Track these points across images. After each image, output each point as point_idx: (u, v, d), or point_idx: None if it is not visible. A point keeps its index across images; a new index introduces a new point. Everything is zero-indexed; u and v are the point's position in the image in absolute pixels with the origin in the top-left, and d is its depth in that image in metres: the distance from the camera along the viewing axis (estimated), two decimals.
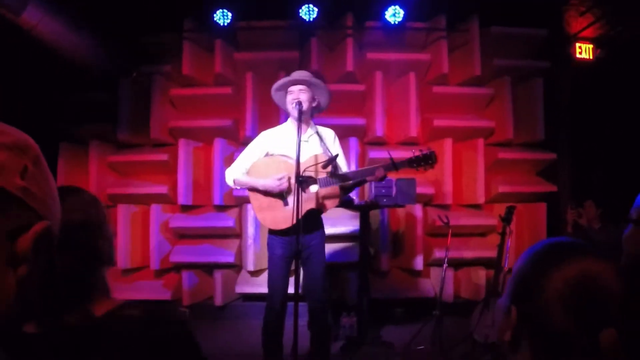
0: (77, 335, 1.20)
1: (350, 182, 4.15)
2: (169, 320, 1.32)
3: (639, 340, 1.00)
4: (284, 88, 4.25)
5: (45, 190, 0.79)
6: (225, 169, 6.15)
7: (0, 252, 0.71)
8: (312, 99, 4.21)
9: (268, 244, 4.25)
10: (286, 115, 4.48)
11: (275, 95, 4.36)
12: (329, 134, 4.41)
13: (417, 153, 4.07)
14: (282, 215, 4.06)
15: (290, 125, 4.30)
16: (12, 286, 0.72)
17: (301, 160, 3.81)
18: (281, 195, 4.10)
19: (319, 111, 4.45)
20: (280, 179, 4.00)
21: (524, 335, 1.11)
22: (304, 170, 3.85)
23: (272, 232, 4.21)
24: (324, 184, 4.05)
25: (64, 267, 1.27)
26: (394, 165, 4.01)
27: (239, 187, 4.38)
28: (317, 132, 4.31)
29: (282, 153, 4.21)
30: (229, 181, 4.30)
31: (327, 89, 4.31)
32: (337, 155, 4.14)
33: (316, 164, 4.04)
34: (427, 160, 4.05)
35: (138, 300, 6.29)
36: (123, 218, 6.46)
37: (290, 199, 3.99)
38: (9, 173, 0.72)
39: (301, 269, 4.07)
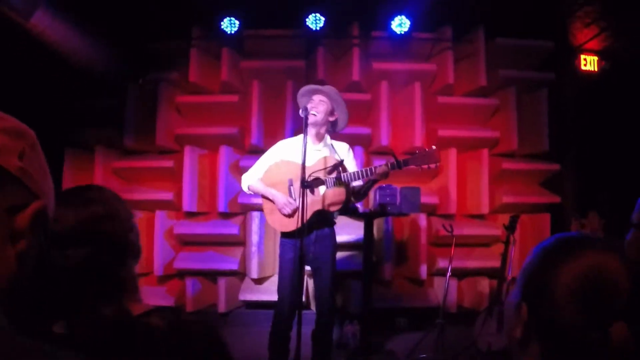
0: (116, 329, 1.21)
1: (359, 181, 4.19)
2: (198, 334, 1.33)
3: None
4: (309, 94, 4.33)
5: (40, 173, 0.84)
6: (230, 177, 6.21)
7: (1, 227, 0.75)
8: (331, 113, 4.30)
9: (280, 248, 4.33)
10: (291, 123, 4.52)
11: (300, 99, 4.41)
12: (342, 146, 4.47)
13: (420, 150, 4.08)
14: (290, 218, 4.13)
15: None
16: (12, 260, 0.76)
17: (309, 164, 3.88)
18: (289, 194, 4.19)
19: (335, 130, 4.49)
20: (289, 203, 4.11)
21: (534, 330, 1.11)
22: (310, 175, 3.90)
23: (282, 235, 4.30)
24: (331, 183, 4.09)
25: (92, 259, 1.29)
26: (397, 164, 4.02)
27: (252, 193, 4.50)
28: (332, 145, 4.38)
29: (290, 159, 4.28)
30: (244, 187, 4.46)
31: (346, 109, 4.39)
32: (342, 161, 4.18)
33: (325, 168, 4.09)
34: (430, 157, 4.05)
35: (166, 308, 6.29)
36: None
37: (298, 201, 4.04)
38: (7, 154, 0.76)
39: (307, 278, 4.10)
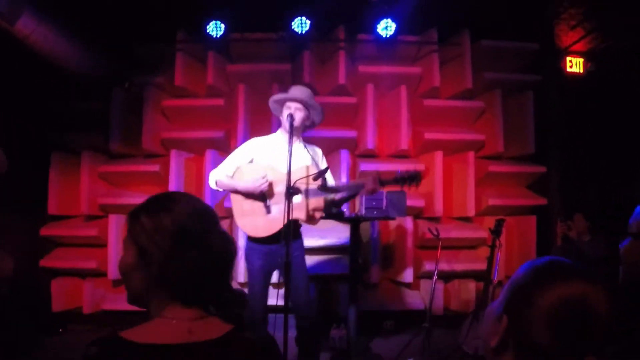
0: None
1: (337, 194, 4.18)
2: None
3: None
4: (282, 102, 4.28)
5: None
6: None
7: None
8: (307, 118, 4.26)
9: (246, 254, 4.23)
10: (278, 127, 4.49)
11: (272, 104, 4.38)
12: (317, 150, 4.47)
13: (403, 171, 4.10)
14: (263, 223, 4.07)
15: (280, 136, 4.32)
16: None
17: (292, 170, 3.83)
18: (263, 198, 4.11)
19: (311, 128, 4.49)
20: (262, 179, 4.00)
21: (510, 343, 1.12)
22: (295, 182, 3.87)
23: (251, 239, 4.19)
24: (311, 194, 4.07)
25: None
26: (380, 182, 4.05)
27: (220, 189, 4.34)
28: (306, 147, 4.35)
29: (268, 162, 4.22)
30: (212, 183, 4.28)
31: (322, 110, 4.35)
32: (327, 168, 4.17)
33: (307, 176, 4.05)
34: (412, 179, 4.08)
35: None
36: (114, 228, 6.45)
37: (273, 207, 4.03)
38: None
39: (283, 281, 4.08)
